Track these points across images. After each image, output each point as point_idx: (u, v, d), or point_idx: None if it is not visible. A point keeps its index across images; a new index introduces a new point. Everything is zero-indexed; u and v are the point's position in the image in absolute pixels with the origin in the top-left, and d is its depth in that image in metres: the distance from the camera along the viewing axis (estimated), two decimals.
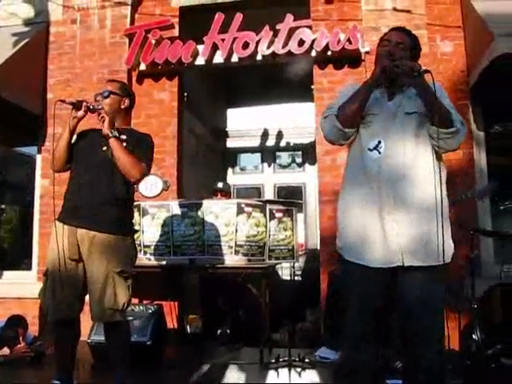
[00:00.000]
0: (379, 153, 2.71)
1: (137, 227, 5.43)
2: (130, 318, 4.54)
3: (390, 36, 2.99)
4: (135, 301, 5.72)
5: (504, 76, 5.03)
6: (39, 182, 6.75)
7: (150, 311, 4.96)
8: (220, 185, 6.43)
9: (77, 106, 3.59)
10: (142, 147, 3.68)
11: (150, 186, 6.22)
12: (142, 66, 6.45)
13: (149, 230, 5.49)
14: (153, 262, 5.47)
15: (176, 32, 6.47)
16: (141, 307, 5.06)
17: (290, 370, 4.16)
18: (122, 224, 3.60)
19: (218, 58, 6.28)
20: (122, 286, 3.48)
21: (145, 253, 5.49)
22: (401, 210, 2.64)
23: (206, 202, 5.38)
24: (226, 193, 6.34)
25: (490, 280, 4.99)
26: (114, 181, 3.57)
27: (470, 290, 4.56)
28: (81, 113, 3.60)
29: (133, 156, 3.50)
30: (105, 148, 3.59)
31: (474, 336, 4.38)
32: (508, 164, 5.88)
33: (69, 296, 3.45)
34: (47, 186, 6.62)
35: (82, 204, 3.52)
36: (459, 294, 5.09)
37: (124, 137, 3.61)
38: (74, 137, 3.72)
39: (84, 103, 3.59)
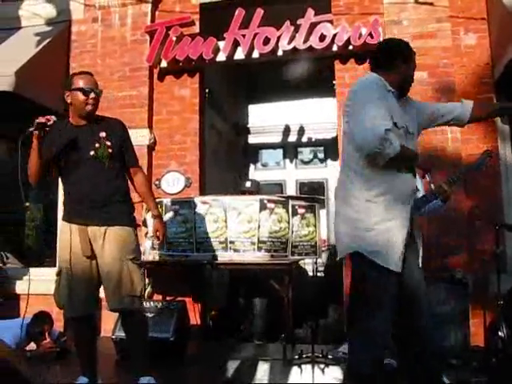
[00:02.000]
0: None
1: None
2: (154, 315, 4.58)
3: None
4: (158, 297, 5.78)
5: None
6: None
7: (173, 307, 4.98)
8: (248, 184, 6.31)
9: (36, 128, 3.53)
10: (129, 145, 3.83)
11: (172, 182, 6.25)
12: (163, 63, 6.47)
13: (171, 226, 5.48)
14: (176, 258, 5.48)
15: (197, 29, 6.48)
16: (164, 304, 5.08)
17: (313, 367, 4.15)
18: (128, 216, 3.73)
19: (239, 54, 6.27)
20: (136, 272, 3.58)
21: (168, 249, 5.49)
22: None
23: (228, 199, 5.38)
24: (252, 192, 6.06)
25: None
26: (112, 176, 3.66)
27: (495, 286, 4.50)
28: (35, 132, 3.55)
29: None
30: (97, 145, 3.61)
31: (499, 333, 4.32)
32: None
33: (84, 293, 3.54)
34: None
35: (87, 202, 3.59)
36: (484, 290, 5.05)
37: (104, 134, 3.64)
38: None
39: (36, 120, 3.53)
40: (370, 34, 5.79)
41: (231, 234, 5.25)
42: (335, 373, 4.33)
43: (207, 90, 6.86)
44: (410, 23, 5.92)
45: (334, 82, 6.20)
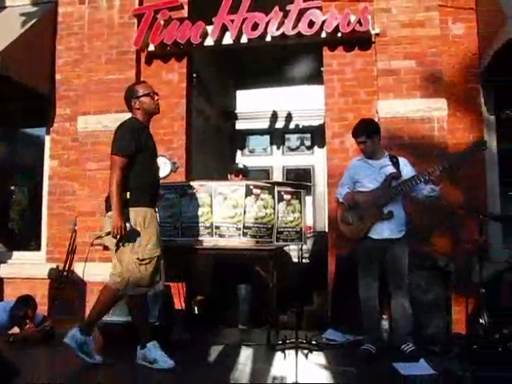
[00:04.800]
0: None
1: None
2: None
3: None
4: None
5: None
6: (48, 163, 6.78)
7: (158, 292, 4.96)
8: (241, 165, 6.31)
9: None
10: None
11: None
12: (151, 47, 6.41)
13: (159, 211, 5.45)
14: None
15: (185, 13, 6.41)
16: None
17: (296, 352, 4.17)
18: None
19: (228, 39, 6.22)
20: None
21: None
22: None
23: (214, 184, 5.36)
24: (245, 174, 6.10)
25: (498, 265, 4.99)
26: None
27: (477, 274, 4.56)
28: None
29: None
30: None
31: (481, 320, 4.38)
32: None
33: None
34: (56, 167, 6.67)
35: (159, 194, 4.48)
36: (467, 278, 5.11)
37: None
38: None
39: None
40: (359, 22, 5.79)
41: (217, 219, 5.24)
42: (319, 359, 4.36)
43: (195, 75, 6.82)
44: (398, 11, 5.92)
45: (322, 68, 6.19)
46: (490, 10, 5.52)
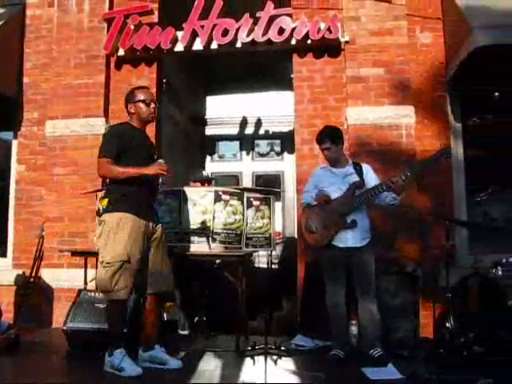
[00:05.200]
0: None
1: None
2: (105, 305, 4.54)
3: None
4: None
5: (482, 68, 5.07)
6: (15, 168, 6.67)
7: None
8: (205, 173, 6.26)
9: None
10: None
11: None
12: (121, 52, 6.37)
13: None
14: None
15: (155, 18, 6.39)
16: None
17: (266, 358, 4.17)
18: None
19: (198, 45, 6.23)
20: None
21: None
22: None
23: (184, 189, 5.34)
24: (209, 182, 6.08)
25: (464, 270, 5.06)
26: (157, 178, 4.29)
27: (444, 279, 4.61)
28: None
29: None
30: (150, 150, 4.34)
31: (447, 324, 4.44)
32: (485, 156, 5.94)
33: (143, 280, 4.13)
34: (23, 171, 6.58)
35: (150, 200, 4.27)
36: (434, 283, 5.17)
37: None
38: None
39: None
40: (329, 29, 5.85)
41: (186, 224, 5.23)
42: (288, 364, 4.36)
43: (165, 81, 6.80)
44: (367, 19, 5.99)
45: (291, 75, 6.22)
46: (455, 20, 5.62)
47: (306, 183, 4.88)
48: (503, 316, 4.43)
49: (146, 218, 4.11)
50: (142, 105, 4.23)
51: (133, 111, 4.26)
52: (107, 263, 3.95)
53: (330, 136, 4.54)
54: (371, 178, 4.50)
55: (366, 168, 4.59)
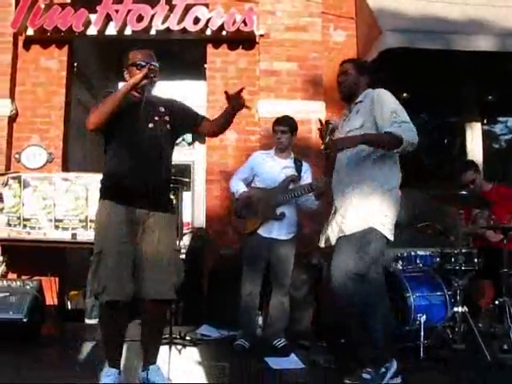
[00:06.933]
0: None
1: (17, 199, 5.24)
2: (6, 294, 4.39)
3: None
4: (13, 276, 5.54)
5: (392, 69, 5.26)
6: None
7: (28, 287, 4.78)
8: None
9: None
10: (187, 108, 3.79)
11: (33, 157, 6.00)
12: (30, 31, 6.12)
13: (30, 202, 5.28)
14: (33, 235, 5.29)
15: None
16: (18, 283, 4.85)
17: (170, 348, 4.16)
18: (171, 203, 3.59)
19: (111, 30, 6.10)
20: (180, 262, 3.48)
21: (24, 226, 5.29)
22: None
23: (91, 176, 5.24)
24: None
25: None
26: (167, 162, 3.48)
27: None
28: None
29: None
30: (151, 125, 3.39)
31: None
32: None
33: (128, 277, 3.20)
34: None
35: (140, 185, 3.25)
36: None
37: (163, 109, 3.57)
38: None
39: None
40: (244, 22, 5.88)
41: (92, 212, 5.13)
42: (192, 354, 4.38)
43: (76, 64, 6.61)
44: (283, 14, 6.08)
45: (205, 65, 6.21)
46: (367, 21, 5.79)
47: (219, 174, 4.87)
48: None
49: (141, 203, 3.25)
50: (132, 69, 3.47)
51: (126, 78, 3.54)
52: (90, 260, 3.49)
53: (290, 123, 4.58)
54: (307, 178, 4.55)
55: (306, 166, 4.64)
